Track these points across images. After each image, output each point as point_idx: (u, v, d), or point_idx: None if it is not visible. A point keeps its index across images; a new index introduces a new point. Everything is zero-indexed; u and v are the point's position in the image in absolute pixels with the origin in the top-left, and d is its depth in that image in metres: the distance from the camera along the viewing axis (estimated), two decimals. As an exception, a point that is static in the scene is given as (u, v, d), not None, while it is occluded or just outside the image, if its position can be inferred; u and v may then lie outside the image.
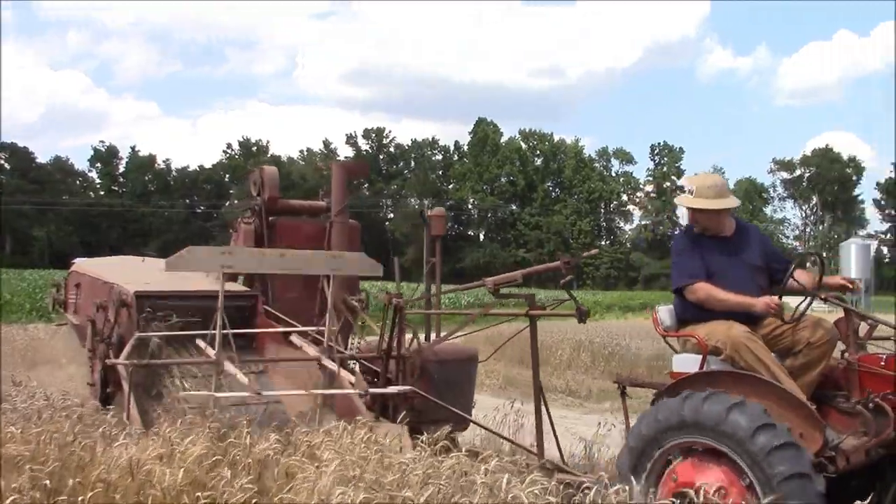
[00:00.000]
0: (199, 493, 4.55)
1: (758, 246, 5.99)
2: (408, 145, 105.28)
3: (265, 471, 4.88)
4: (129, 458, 4.70)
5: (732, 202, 5.89)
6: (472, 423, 7.91)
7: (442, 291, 9.93)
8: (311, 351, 7.50)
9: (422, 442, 5.06)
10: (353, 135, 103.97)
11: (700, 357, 5.51)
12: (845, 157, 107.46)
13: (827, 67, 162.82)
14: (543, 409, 6.77)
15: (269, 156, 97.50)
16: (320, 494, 4.23)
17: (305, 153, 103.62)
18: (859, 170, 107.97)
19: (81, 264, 9.98)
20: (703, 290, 5.64)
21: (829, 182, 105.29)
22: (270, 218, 9.81)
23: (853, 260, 73.16)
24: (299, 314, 8.44)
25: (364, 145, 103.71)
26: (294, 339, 7.90)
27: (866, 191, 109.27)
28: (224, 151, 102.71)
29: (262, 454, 4.95)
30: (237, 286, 8.79)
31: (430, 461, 4.57)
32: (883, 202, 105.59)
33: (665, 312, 5.98)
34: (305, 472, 4.53)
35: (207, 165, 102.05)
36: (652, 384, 6.08)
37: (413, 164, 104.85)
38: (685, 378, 5.43)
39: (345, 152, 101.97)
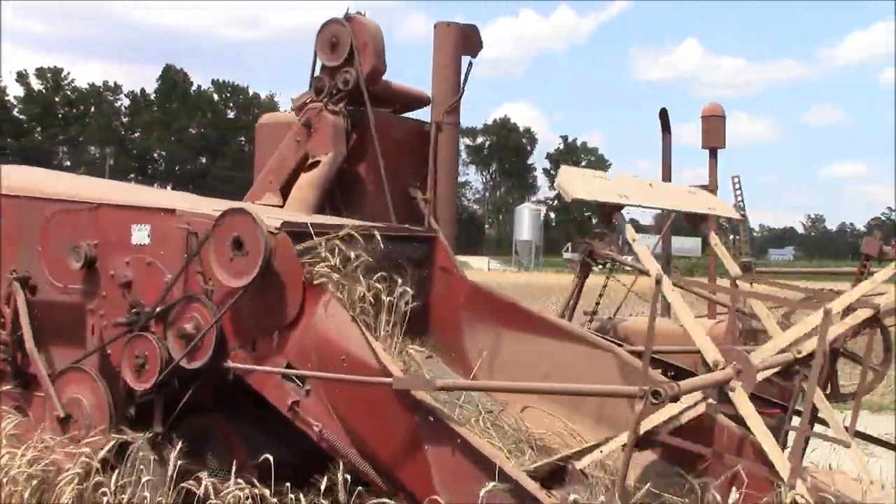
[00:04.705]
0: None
1: None
2: (86, 89, 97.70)
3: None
4: None
5: None
6: None
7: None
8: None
9: None
10: (25, 73, 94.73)
11: None
12: (521, 129, 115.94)
13: (513, 43, 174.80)
14: None
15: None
16: None
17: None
18: (533, 140, 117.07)
19: None
20: None
21: (506, 150, 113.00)
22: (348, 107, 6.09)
23: (526, 223, 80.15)
24: None
25: (38, 85, 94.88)
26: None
27: (539, 160, 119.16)
28: None
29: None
30: (318, 217, 5.30)
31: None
32: (552, 171, 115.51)
33: None
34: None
35: None
36: None
37: (94, 109, 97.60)
38: None
39: (15, 91, 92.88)
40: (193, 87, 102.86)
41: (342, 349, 3.95)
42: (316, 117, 6.02)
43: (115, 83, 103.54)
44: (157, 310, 4.39)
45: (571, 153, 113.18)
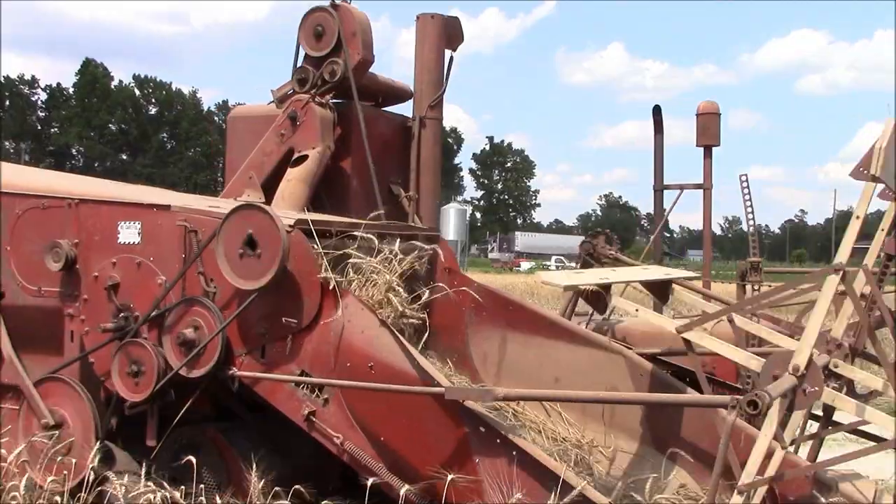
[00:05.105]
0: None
1: None
2: (2, 81, 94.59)
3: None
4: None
5: None
6: None
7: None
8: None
9: None
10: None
11: None
12: (448, 128, 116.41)
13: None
14: None
15: None
16: None
17: None
18: (460, 140, 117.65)
19: None
20: None
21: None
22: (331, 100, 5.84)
23: (452, 223, 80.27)
24: None
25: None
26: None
27: (465, 160, 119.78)
28: None
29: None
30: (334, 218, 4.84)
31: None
32: (478, 172, 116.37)
33: None
34: None
35: None
36: None
37: (8, 103, 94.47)
38: None
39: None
40: (114, 83, 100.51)
41: (369, 356, 3.71)
42: (302, 110, 5.75)
43: (33, 77, 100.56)
44: (153, 314, 4.08)
45: (497, 153, 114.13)
